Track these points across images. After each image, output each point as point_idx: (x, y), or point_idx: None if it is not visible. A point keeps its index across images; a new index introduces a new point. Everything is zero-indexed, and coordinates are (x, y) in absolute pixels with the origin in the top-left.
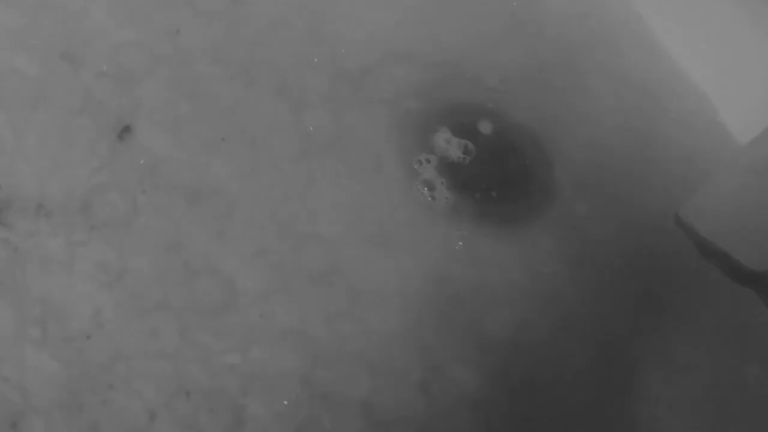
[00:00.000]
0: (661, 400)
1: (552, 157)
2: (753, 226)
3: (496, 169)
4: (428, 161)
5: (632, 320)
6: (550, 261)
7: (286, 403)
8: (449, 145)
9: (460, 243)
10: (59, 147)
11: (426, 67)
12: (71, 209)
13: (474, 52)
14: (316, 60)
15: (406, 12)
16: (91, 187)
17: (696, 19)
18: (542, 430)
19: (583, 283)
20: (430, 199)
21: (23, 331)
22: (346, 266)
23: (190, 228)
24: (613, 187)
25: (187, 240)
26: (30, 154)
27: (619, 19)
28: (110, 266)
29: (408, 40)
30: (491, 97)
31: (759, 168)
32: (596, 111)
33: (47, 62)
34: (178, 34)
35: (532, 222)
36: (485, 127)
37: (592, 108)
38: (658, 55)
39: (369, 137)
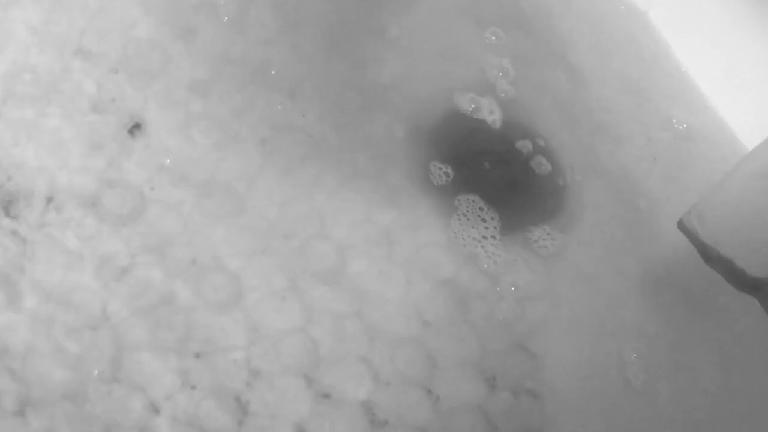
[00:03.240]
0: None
1: (558, 163)
2: (757, 233)
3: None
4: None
5: (634, 324)
6: (554, 265)
7: (288, 401)
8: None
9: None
10: (71, 141)
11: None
12: (81, 203)
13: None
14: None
15: None
16: (101, 181)
17: (700, 20)
18: None
19: (586, 287)
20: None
21: (30, 322)
22: (353, 267)
23: (198, 225)
24: (615, 192)
25: (194, 236)
26: (41, 148)
27: (620, 19)
28: (118, 260)
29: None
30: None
31: (764, 174)
32: (598, 116)
33: (61, 58)
34: (192, 34)
35: (538, 226)
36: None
37: (593, 112)
38: (661, 58)
39: (381, 142)
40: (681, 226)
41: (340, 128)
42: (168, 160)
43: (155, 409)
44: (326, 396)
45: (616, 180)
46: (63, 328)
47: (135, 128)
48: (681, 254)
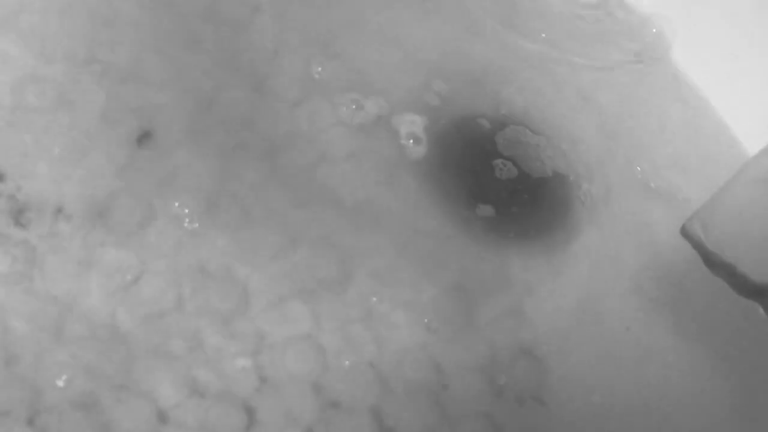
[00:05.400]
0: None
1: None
2: (759, 238)
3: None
4: None
5: (636, 328)
6: (559, 271)
7: (296, 407)
8: None
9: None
10: (79, 151)
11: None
12: (90, 212)
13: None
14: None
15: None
16: (109, 191)
17: (702, 24)
18: None
19: (590, 294)
20: None
21: (40, 330)
22: (360, 274)
23: (206, 233)
24: (618, 197)
25: (202, 245)
26: (50, 158)
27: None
28: (127, 269)
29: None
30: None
31: (766, 180)
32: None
33: (70, 67)
34: (199, 44)
35: (543, 234)
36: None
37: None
38: (663, 62)
39: (383, 149)
40: (684, 231)
41: (348, 137)
42: (176, 169)
43: (163, 417)
44: (334, 402)
45: (618, 185)
46: (72, 336)
47: (144, 137)
48: (683, 260)
